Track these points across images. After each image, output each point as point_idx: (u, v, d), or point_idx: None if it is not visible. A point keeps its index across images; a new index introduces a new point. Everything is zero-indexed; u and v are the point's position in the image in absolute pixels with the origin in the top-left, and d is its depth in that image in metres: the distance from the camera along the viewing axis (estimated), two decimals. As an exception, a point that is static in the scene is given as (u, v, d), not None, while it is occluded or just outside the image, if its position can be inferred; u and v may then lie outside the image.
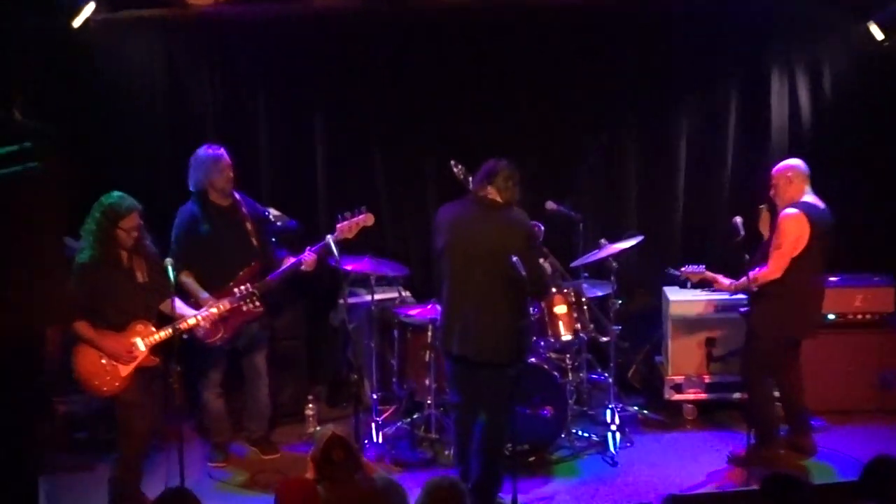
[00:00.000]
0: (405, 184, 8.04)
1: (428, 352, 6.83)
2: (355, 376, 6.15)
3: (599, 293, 7.22)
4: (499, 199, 5.78)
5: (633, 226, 7.83)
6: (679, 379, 7.32)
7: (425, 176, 7.97)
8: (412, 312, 7.07)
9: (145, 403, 5.88)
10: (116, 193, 5.82)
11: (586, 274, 7.44)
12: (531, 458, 6.57)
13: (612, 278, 7.04)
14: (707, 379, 7.30)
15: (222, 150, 6.47)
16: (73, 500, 6.27)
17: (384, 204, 7.91)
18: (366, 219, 6.31)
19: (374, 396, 7.17)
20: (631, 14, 7.70)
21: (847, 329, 7.26)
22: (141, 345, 5.82)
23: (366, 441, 6.78)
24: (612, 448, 6.78)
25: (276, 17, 7.60)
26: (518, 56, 7.81)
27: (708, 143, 8.02)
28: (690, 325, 7.29)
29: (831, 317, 7.20)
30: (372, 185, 7.94)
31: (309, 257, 6.33)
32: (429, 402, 6.89)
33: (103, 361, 5.79)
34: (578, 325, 6.90)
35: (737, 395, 7.18)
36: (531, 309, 6.22)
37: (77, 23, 7.11)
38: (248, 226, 6.55)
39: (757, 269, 6.20)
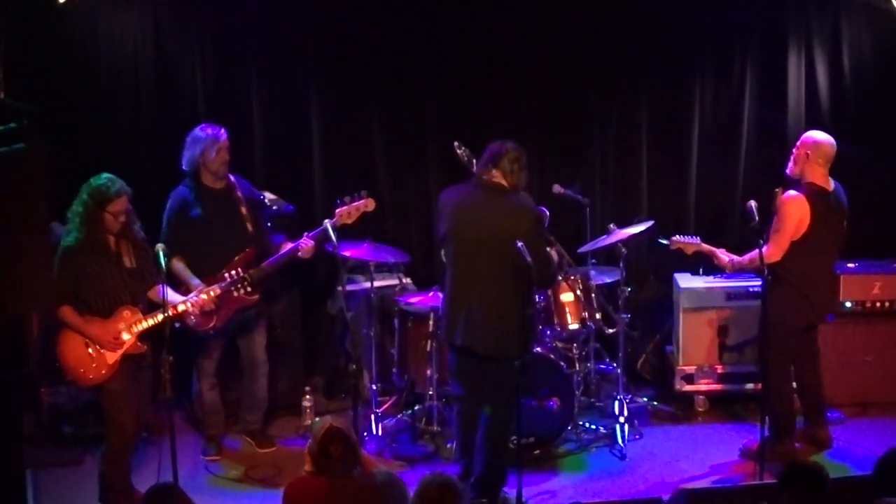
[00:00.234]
0: (407, 165, 7.92)
1: (429, 341, 6.76)
2: (354, 367, 6.03)
3: (608, 280, 7.15)
4: (504, 182, 5.70)
5: (644, 210, 7.74)
6: (690, 369, 7.21)
7: (428, 158, 7.84)
8: (413, 300, 7.00)
9: (132, 393, 5.79)
10: (105, 175, 5.72)
11: (594, 260, 7.37)
12: (537, 452, 6.50)
13: (621, 265, 6.94)
14: (719, 369, 7.20)
15: (221, 131, 6.34)
16: (62, 496, 6.17)
17: (384, 186, 7.78)
18: (366, 204, 6.20)
19: (374, 388, 7.09)
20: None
21: (865, 317, 7.12)
22: (128, 331, 5.73)
23: (365, 434, 6.70)
24: (620, 441, 6.70)
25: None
26: (525, 34, 7.69)
27: (721, 124, 7.92)
28: (702, 313, 7.17)
29: (848, 305, 7.09)
30: (371, 166, 7.81)
31: (306, 244, 6.23)
32: (430, 393, 6.82)
33: (89, 349, 5.70)
34: (586, 314, 6.81)
35: (750, 386, 7.09)
36: (537, 297, 6.15)
37: (61, -2, 6.99)
38: (244, 210, 6.43)
39: (756, 250, 6.14)
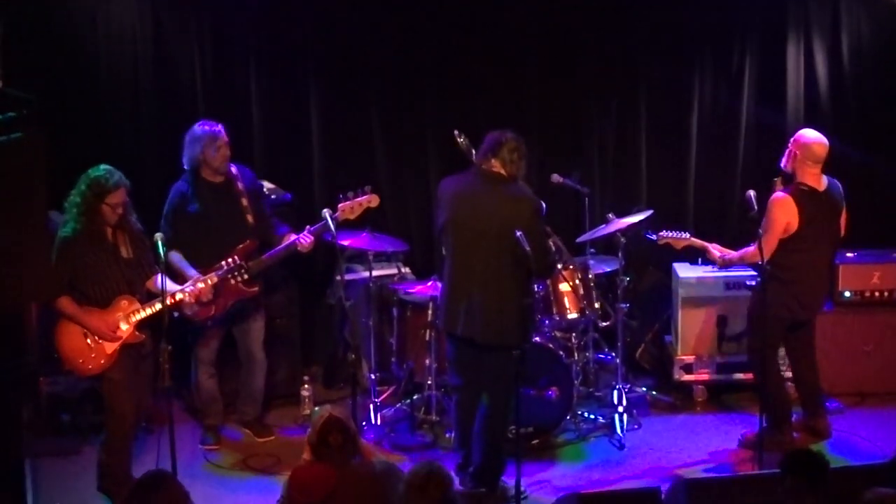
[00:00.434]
0: (406, 155, 7.88)
1: (428, 331, 6.73)
2: (352, 356, 5.98)
3: (607, 269, 7.12)
4: (503, 172, 5.68)
5: (643, 200, 7.70)
6: (689, 359, 7.19)
7: (427, 147, 7.80)
8: (412, 290, 6.97)
9: (132, 382, 5.77)
10: (104, 167, 5.69)
11: (593, 250, 7.33)
12: (535, 442, 6.48)
13: (620, 254, 6.91)
14: (718, 359, 7.17)
15: (220, 128, 6.31)
16: (61, 485, 6.15)
17: (383, 176, 7.75)
18: (370, 199, 6.20)
19: (372, 377, 7.06)
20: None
21: (864, 307, 7.12)
22: (125, 321, 5.70)
23: (364, 424, 6.68)
24: (619, 431, 6.68)
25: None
26: (525, 24, 7.65)
27: (721, 113, 7.88)
28: (701, 303, 7.15)
29: (847, 294, 7.09)
30: (370, 156, 7.78)
31: (306, 239, 6.21)
32: (429, 382, 6.79)
33: (88, 339, 5.68)
34: (585, 303, 6.78)
35: (749, 376, 7.02)
36: (536, 286, 6.12)
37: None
38: (244, 202, 6.39)
39: (746, 248, 6.20)
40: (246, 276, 6.11)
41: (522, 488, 5.50)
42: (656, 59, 7.77)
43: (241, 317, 6.50)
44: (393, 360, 7.09)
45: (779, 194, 6.16)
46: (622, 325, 6.99)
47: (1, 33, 6.56)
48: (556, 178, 7.01)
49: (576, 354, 7.02)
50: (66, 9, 7.12)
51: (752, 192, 6.05)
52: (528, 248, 5.33)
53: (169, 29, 7.42)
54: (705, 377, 7.18)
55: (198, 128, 6.30)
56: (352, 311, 6.85)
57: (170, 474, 4.37)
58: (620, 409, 6.79)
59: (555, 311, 6.72)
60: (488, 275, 5.57)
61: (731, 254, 6.35)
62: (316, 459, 4.61)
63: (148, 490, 4.06)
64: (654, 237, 6.60)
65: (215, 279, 6.02)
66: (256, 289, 6.26)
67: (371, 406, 6.89)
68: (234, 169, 6.43)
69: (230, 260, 6.06)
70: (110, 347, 5.67)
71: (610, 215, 6.95)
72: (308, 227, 6.24)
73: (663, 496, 5.01)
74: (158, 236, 5.56)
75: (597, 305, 6.91)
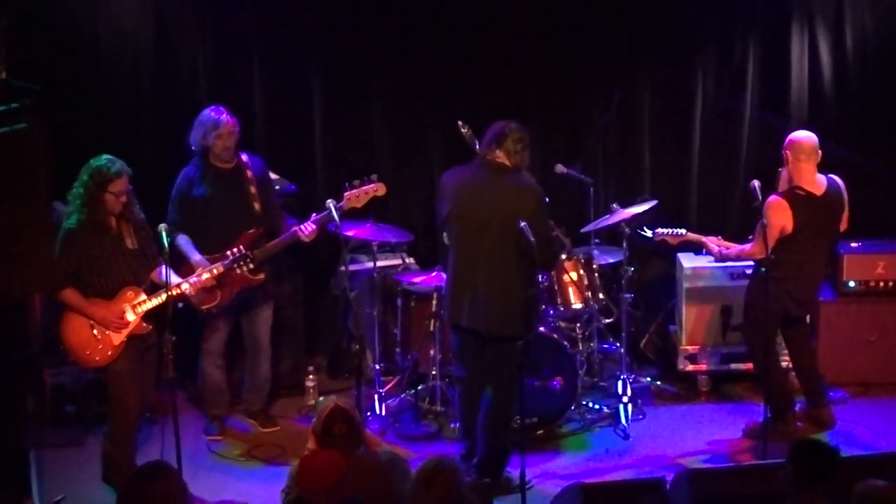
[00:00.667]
0: (409, 145, 7.85)
1: (432, 321, 6.72)
2: (357, 347, 5.97)
3: (611, 260, 7.11)
4: (507, 162, 5.67)
5: (647, 190, 7.67)
6: (693, 349, 7.17)
7: (430, 137, 7.77)
8: (416, 280, 6.95)
9: (137, 373, 5.76)
10: (106, 156, 5.68)
11: (597, 240, 7.32)
12: (540, 432, 6.48)
13: (625, 245, 6.91)
14: (723, 349, 7.15)
15: (224, 116, 6.27)
16: (65, 476, 6.14)
17: (387, 166, 7.69)
18: (376, 188, 6.19)
19: (377, 368, 7.06)
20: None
21: (868, 297, 7.09)
22: (131, 312, 5.69)
23: (368, 414, 6.67)
24: (623, 421, 6.68)
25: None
26: (528, 13, 7.61)
27: (724, 103, 7.82)
28: (706, 293, 7.13)
29: (852, 284, 7.08)
30: (374, 146, 7.75)
31: (308, 228, 6.18)
32: (433, 373, 6.80)
33: (94, 331, 5.67)
34: (589, 293, 6.77)
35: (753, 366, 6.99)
36: (540, 277, 6.11)
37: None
38: (252, 190, 6.37)
39: (742, 246, 6.21)
40: (252, 266, 6.09)
41: (527, 478, 5.47)
42: (659, 48, 7.72)
43: (249, 305, 6.49)
44: (397, 350, 7.08)
45: (773, 197, 6.15)
46: (626, 315, 6.98)
47: (5, 26, 6.54)
48: (560, 168, 6.98)
49: (580, 345, 7.01)
50: (68, 2, 7.11)
51: (755, 182, 6.05)
52: (532, 239, 5.32)
53: (171, 21, 7.38)
54: (710, 367, 7.15)
55: (205, 112, 6.30)
56: (356, 301, 6.87)
57: (168, 465, 4.36)
58: (625, 399, 6.78)
59: (559, 301, 6.71)
60: (493, 266, 5.57)
61: (728, 250, 6.34)
62: (320, 450, 4.60)
63: (144, 479, 4.04)
64: (649, 234, 6.59)
65: (221, 269, 6.01)
66: (262, 276, 6.24)
67: (375, 396, 6.88)
68: (244, 157, 6.42)
69: (235, 250, 6.05)
70: (117, 338, 5.66)
71: (614, 205, 6.94)
72: (314, 213, 6.22)
73: (668, 486, 5.00)
74: (162, 227, 5.54)
75: (601, 296, 6.89)
